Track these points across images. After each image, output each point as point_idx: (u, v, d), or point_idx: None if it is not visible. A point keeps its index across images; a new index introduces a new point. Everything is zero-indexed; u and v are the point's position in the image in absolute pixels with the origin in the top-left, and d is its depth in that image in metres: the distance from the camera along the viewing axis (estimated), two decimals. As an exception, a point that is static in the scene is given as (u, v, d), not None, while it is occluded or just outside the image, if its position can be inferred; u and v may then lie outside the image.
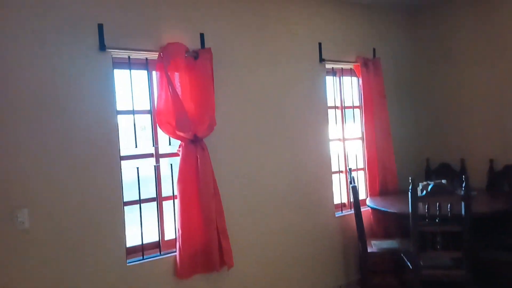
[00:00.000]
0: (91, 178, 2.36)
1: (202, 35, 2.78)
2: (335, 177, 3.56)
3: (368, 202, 3.45)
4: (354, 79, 3.77)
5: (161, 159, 2.72)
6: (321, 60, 3.41)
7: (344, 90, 3.70)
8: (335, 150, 3.60)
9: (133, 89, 2.58)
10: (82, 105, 2.35)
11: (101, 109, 2.41)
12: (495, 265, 2.71)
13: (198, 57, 2.66)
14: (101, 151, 2.40)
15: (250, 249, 2.98)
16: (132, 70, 2.60)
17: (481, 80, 3.60)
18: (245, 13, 3.02)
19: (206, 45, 2.79)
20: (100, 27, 2.40)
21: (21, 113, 2.19)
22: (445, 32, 3.87)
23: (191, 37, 2.74)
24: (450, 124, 3.86)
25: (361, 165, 3.83)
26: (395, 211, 2.97)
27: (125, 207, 2.53)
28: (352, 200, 3.34)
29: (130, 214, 2.62)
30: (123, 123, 2.58)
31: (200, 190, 2.61)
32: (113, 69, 2.47)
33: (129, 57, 2.56)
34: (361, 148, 3.82)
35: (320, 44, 3.41)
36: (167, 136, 2.69)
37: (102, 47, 2.39)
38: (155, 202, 2.70)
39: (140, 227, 2.60)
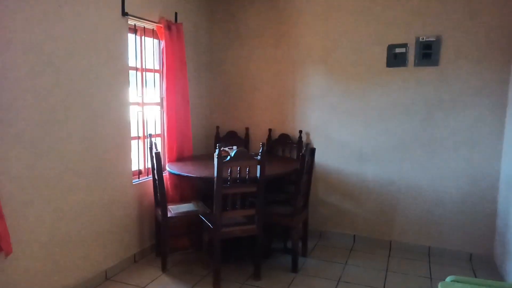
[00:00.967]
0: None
1: None
2: (133, 143, 3.37)
3: (168, 168, 3.44)
4: (156, 41, 3.61)
5: None
6: (124, 13, 3.08)
7: (145, 51, 3.49)
8: (134, 115, 3.40)
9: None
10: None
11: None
12: (273, 216, 3.23)
13: None
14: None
15: (37, 230, 2.49)
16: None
17: (265, 59, 4.10)
18: None
19: None
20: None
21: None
22: (237, 11, 4.18)
23: None
24: (238, 96, 4.27)
25: (158, 131, 3.76)
26: (199, 175, 3.09)
27: None
28: (154, 166, 3.25)
29: None
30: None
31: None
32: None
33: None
34: (160, 114, 3.74)
35: (124, -5, 3.10)
36: None
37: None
38: None
39: None
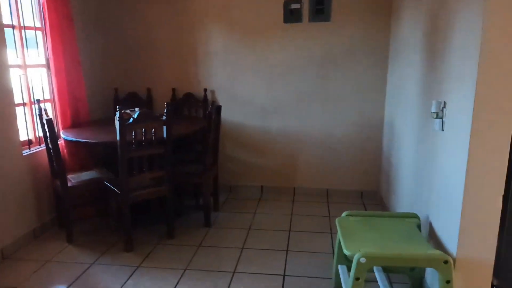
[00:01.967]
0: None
1: None
2: (19, 110, 3.02)
3: (63, 135, 3.18)
4: (33, -8, 3.18)
5: None
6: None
7: (22, 6, 3.06)
8: (16, 80, 3.02)
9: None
10: None
11: None
12: (183, 176, 3.25)
13: None
14: None
15: None
16: None
17: (166, 16, 3.90)
18: None
19: None
20: None
21: None
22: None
23: None
24: (137, 56, 4.03)
25: (47, 96, 3.41)
26: (99, 141, 2.92)
27: None
28: (46, 135, 2.97)
29: None
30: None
31: None
32: None
33: None
34: (47, 77, 3.37)
35: None
36: None
37: None
38: None
39: None
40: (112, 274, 2.60)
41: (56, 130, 3.33)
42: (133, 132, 2.76)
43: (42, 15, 3.23)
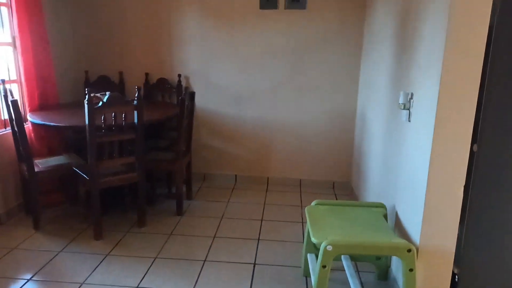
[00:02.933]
0: None
1: None
2: (-18, 91, 2.89)
3: (30, 118, 3.07)
4: (-2, -33, 3.02)
5: None
6: None
7: (-15, -21, 2.91)
8: (-21, 57, 2.88)
9: None
10: None
11: None
12: (155, 163, 3.20)
13: None
14: None
15: None
16: None
17: (139, 1, 3.80)
18: None
19: None
20: None
21: None
22: None
23: None
24: (109, 38, 3.91)
25: (13, 77, 3.27)
26: (68, 124, 2.83)
27: None
28: (11, 117, 2.86)
29: None
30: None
31: None
32: None
33: None
34: (14, 56, 3.23)
35: None
36: None
37: None
38: None
39: None
40: (81, 262, 2.55)
41: (22, 113, 3.21)
42: (103, 117, 2.69)
43: (7, -8, 3.08)
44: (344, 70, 3.72)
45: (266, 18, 3.68)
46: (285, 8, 3.64)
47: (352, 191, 3.82)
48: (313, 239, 1.96)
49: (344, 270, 2.29)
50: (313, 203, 2.39)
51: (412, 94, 2.05)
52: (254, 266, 2.55)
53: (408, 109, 2.09)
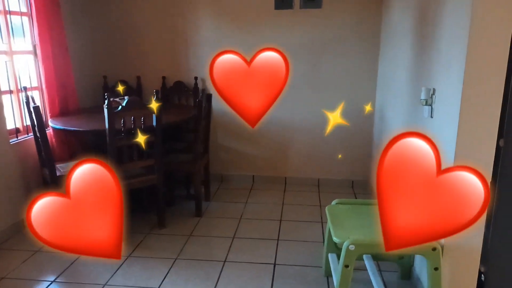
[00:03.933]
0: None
1: None
2: (5, 98, 2.97)
3: (51, 123, 3.13)
4: (18, -23, 3.10)
5: None
6: None
7: (6, -11, 2.98)
8: (2, 66, 2.95)
9: None
10: None
11: None
12: (174, 165, 3.23)
13: None
14: None
15: None
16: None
17: (156, 3, 3.83)
18: None
19: None
20: None
21: None
22: None
23: None
24: (127, 43, 3.96)
25: (34, 84, 3.35)
26: (89, 129, 2.88)
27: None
28: (33, 123, 2.92)
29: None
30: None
31: None
32: None
33: None
34: (34, 64, 3.31)
35: None
36: None
37: None
38: None
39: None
40: (102, 264, 2.58)
41: (44, 118, 3.28)
42: (122, 120, 2.72)
43: (28, 0, 3.15)
44: (362, 68, 3.68)
45: (282, 18, 3.67)
46: (300, 8, 3.62)
47: (372, 190, 3.77)
48: (335, 239, 1.94)
49: (366, 270, 2.26)
50: (333, 202, 2.37)
51: (434, 90, 2.01)
52: (274, 267, 2.54)
53: (430, 105, 2.05)
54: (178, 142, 3.71)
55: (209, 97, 3.38)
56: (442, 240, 1.89)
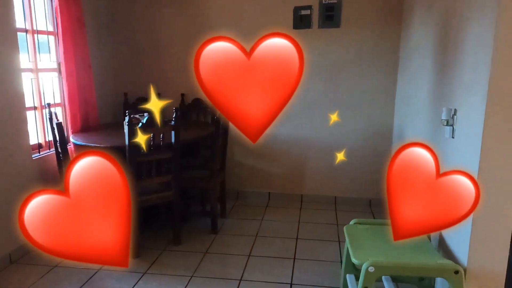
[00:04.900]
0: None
1: None
2: (29, 114, 3.06)
3: (72, 139, 3.20)
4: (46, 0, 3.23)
5: None
6: (4, -35, 2.68)
7: (35, 10, 3.11)
8: (28, 83, 3.05)
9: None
10: None
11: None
12: (190, 181, 3.25)
13: None
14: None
15: None
16: None
17: (176, 22, 3.93)
18: None
19: None
20: None
21: None
22: (140, -34, 3.90)
23: None
24: (147, 60, 4.06)
25: (58, 100, 3.44)
26: (108, 145, 2.93)
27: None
28: (55, 138, 3.00)
29: None
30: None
31: None
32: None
33: None
34: (58, 81, 3.41)
35: None
36: None
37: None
38: None
39: None
40: (119, 280, 2.59)
41: (65, 134, 3.36)
42: (142, 137, 2.76)
43: (54, 19, 3.28)
44: (380, 87, 3.67)
45: (300, 37, 3.67)
46: (318, 27, 3.66)
47: (390, 210, 3.71)
48: (354, 260, 1.91)
49: (386, 292, 2.20)
50: (351, 222, 2.33)
51: (455, 110, 1.99)
52: (291, 286, 2.50)
53: (452, 126, 2.02)
54: (195, 158, 3.74)
55: (226, 114, 3.41)
56: (465, 263, 1.84)
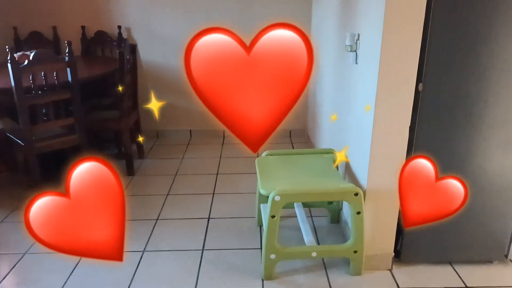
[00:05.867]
0: None
1: None
2: None
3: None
4: None
5: None
6: None
7: None
8: None
9: None
10: None
11: None
12: (99, 123, 3.02)
13: None
14: None
15: None
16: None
17: None
18: None
19: None
20: None
21: None
22: None
23: None
24: (35, -14, 3.50)
25: None
26: (-6, 87, 2.57)
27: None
28: None
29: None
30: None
31: None
32: None
33: None
34: None
35: None
36: None
37: None
38: None
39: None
40: (24, 232, 2.41)
41: None
42: (31, 76, 2.44)
43: None
44: (295, 15, 3.56)
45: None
46: None
47: (309, 139, 3.81)
48: (262, 191, 1.93)
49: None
50: (263, 154, 2.34)
51: (358, 35, 1.96)
52: (208, 221, 2.52)
53: (355, 51, 2.00)
54: (104, 98, 3.46)
55: (133, 47, 3.13)
56: (365, 186, 1.93)
